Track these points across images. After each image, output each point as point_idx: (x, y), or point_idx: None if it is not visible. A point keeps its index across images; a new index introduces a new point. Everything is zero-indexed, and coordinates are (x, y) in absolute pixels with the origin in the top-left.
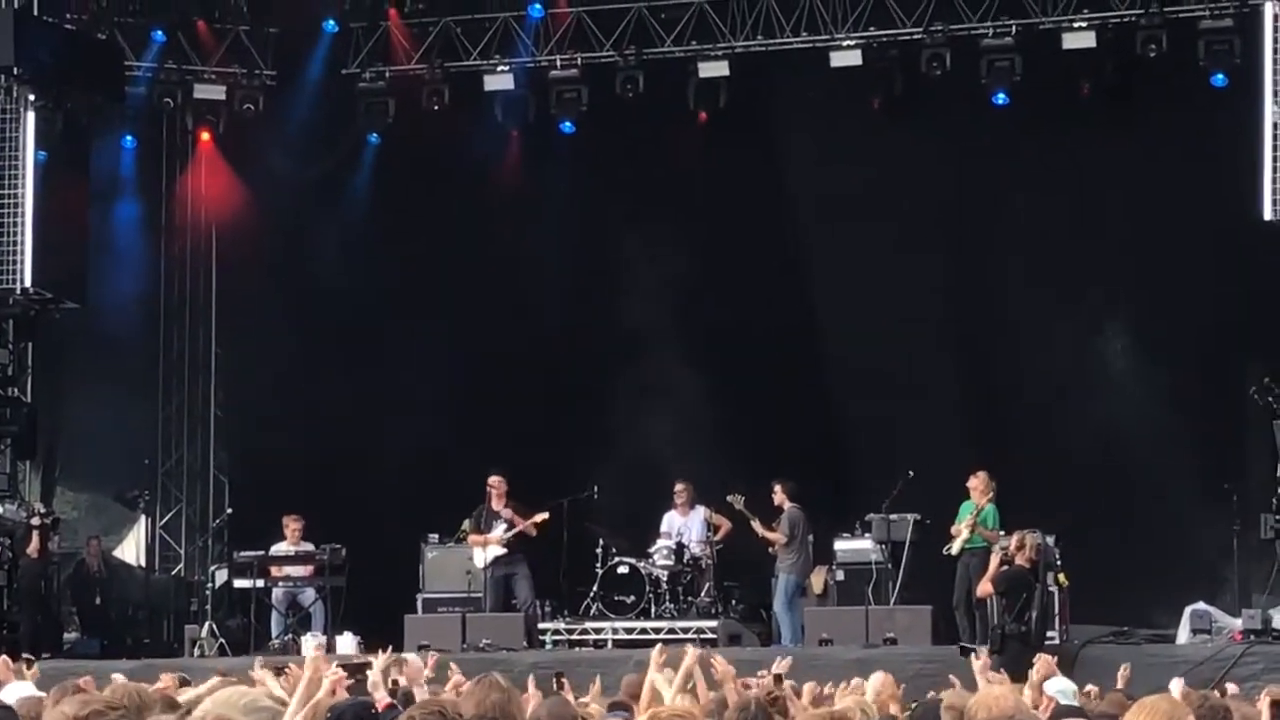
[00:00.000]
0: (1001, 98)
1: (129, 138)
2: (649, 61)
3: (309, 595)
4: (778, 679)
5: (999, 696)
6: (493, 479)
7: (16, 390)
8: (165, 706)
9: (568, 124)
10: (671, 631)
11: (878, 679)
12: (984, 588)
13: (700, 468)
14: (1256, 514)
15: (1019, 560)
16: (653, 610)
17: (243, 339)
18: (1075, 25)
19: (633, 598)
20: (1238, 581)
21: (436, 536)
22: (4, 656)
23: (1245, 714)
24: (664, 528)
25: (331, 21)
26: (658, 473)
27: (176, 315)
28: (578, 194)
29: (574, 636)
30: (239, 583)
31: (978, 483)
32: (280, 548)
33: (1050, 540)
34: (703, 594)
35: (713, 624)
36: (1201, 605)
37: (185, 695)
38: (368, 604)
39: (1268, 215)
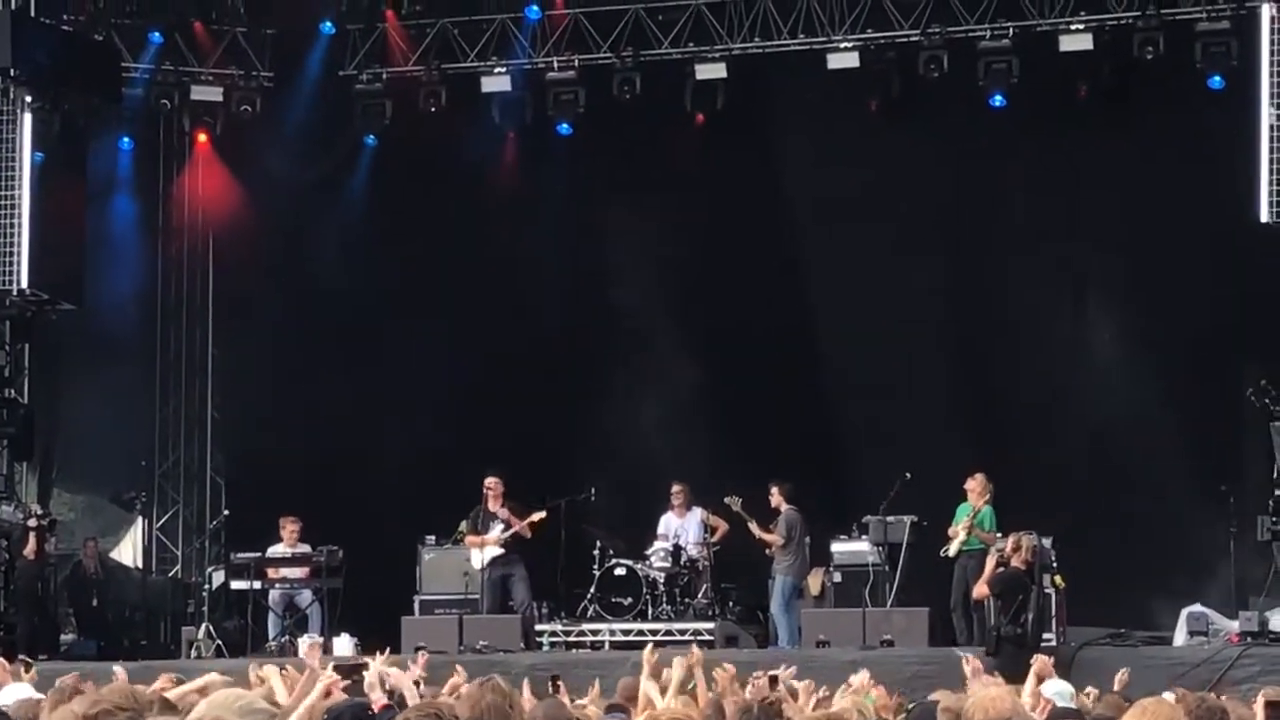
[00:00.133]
0: (999, 100)
1: (126, 139)
2: (646, 63)
3: (306, 597)
4: (773, 681)
5: (996, 698)
6: (489, 480)
7: (13, 391)
8: (162, 708)
9: (565, 125)
10: (669, 633)
11: (862, 677)
12: (980, 590)
13: (697, 469)
14: (1253, 516)
15: (1015, 562)
16: (650, 612)
17: (240, 340)
18: (1072, 27)
19: (630, 599)
20: (1234, 583)
21: (433, 538)
22: (0, 659)
23: (1241, 715)
24: (661, 529)
25: (329, 23)
26: (655, 474)
27: (173, 316)
28: (575, 195)
29: (571, 638)
30: (236, 584)
31: (975, 485)
32: (277, 549)
33: (1046, 542)
34: (700, 596)
35: (710, 626)
36: (1198, 607)
37: (176, 693)
38: (366, 605)
39: (1264, 217)
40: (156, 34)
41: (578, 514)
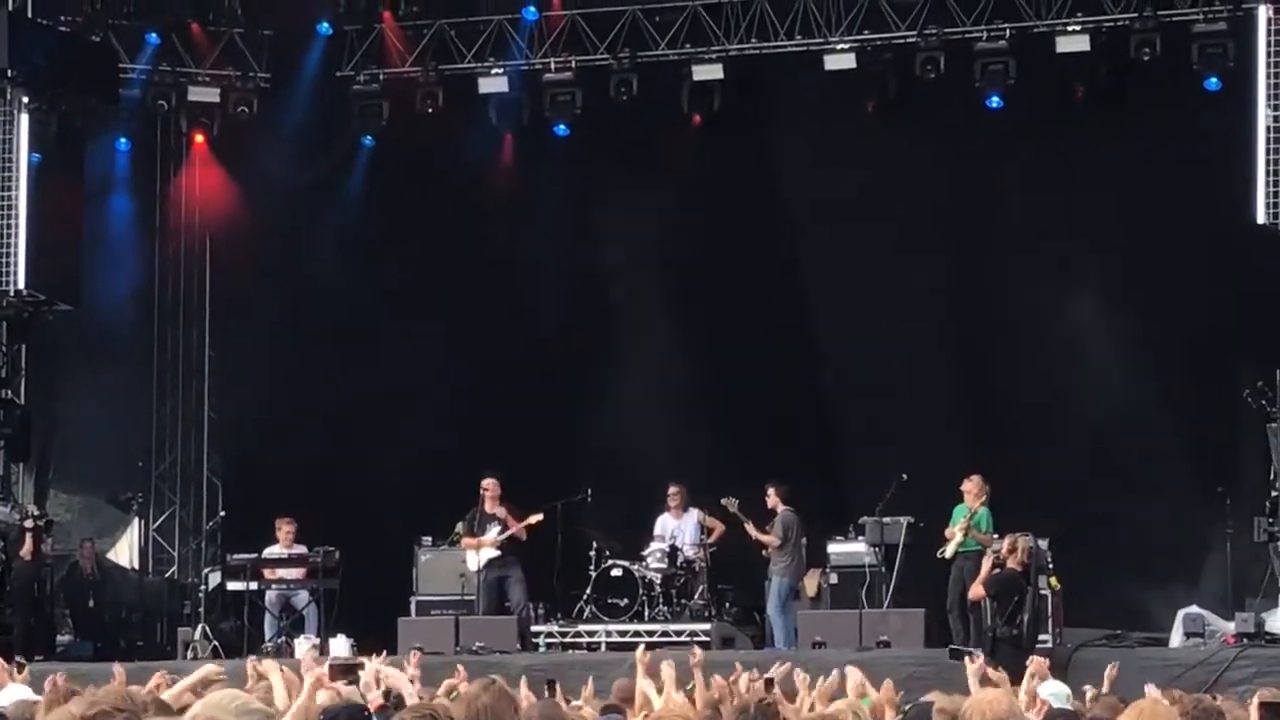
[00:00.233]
0: (995, 101)
1: (123, 140)
2: (643, 64)
3: (302, 598)
4: (768, 683)
5: (993, 700)
6: (486, 481)
7: (10, 392)
8: (158, 709)
9: (562, 127)
10: (665, 634)
11: (855, 676)
12: (976, 591)
13: (694, 470)
14: (1249, 517)
15: (1011, 563)
16: (646, 613)
17: (236, 341)
18: (1069, 29)
19: (626, 601)
20: (1231, 585)
21: (430, 539)
22: None
23: (1237, 717)
24: (657, 530)
25: (326, 24)
26: (652, 475)
27: (170, 317)
28: (572, 196)
29: (567, 639)
30: (232, 585)
31: (972, 486)
32: (273, 550)
33: (1043, 544)
34: (696, 597)
35: (706, 627)
36: (1195, 608)
37: (169, 693)
38: (363, 606)
39: (1260, 219)
40: (153, 35)
41: (574, 515)
